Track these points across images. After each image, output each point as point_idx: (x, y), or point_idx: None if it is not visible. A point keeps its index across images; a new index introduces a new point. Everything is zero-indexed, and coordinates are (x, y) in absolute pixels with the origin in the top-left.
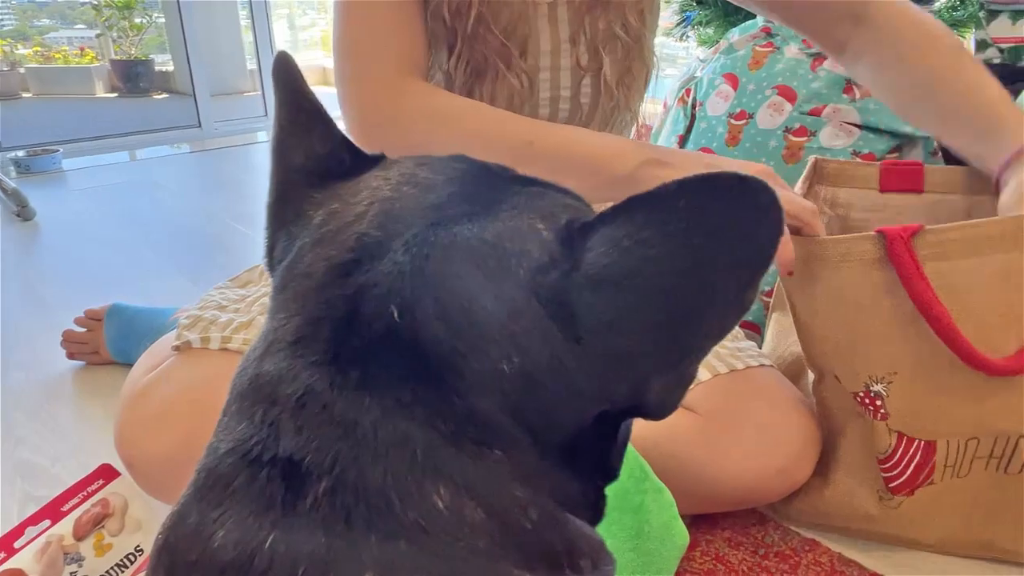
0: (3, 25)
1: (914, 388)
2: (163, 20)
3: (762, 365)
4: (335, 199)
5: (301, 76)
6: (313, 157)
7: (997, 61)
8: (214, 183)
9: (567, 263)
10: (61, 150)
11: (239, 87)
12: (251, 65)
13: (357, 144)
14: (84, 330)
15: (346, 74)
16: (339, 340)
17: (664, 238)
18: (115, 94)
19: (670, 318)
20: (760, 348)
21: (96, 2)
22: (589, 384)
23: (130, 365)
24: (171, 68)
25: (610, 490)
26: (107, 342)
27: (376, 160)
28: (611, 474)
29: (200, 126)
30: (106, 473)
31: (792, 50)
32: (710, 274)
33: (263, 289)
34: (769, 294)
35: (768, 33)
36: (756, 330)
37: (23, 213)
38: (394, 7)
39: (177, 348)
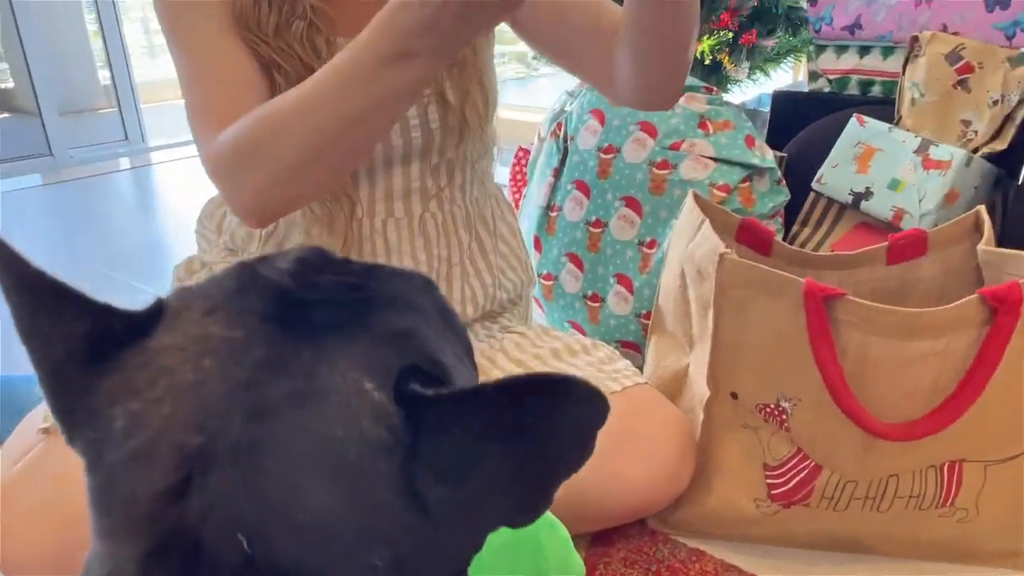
0: None
1: (812, 418)
2: None
3: (637, 384)
4: (129, 392)
5: (22, 257)
6: (76, 340)
7: (827, 90)
8: (76, 221)
9: (407, 441)
10: None
11: (92, 104)
12: (104, 79)
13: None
14: None
15: (198, 139)
16: None
17: (499, 435)
18: None
19: (517, 486)
20: (640, 366)
21: None
22: (455, 547)
23: None
24: (11, 84)
25: (507, 532)
26: None
27: (153, 315)
28: None
29: (52, 154)
30: None
31: None
32: (548, 454)
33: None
34: (647, 316)
35: None
36: (637, 349)
37: None
38: (223, 64)
39: (46, 431)
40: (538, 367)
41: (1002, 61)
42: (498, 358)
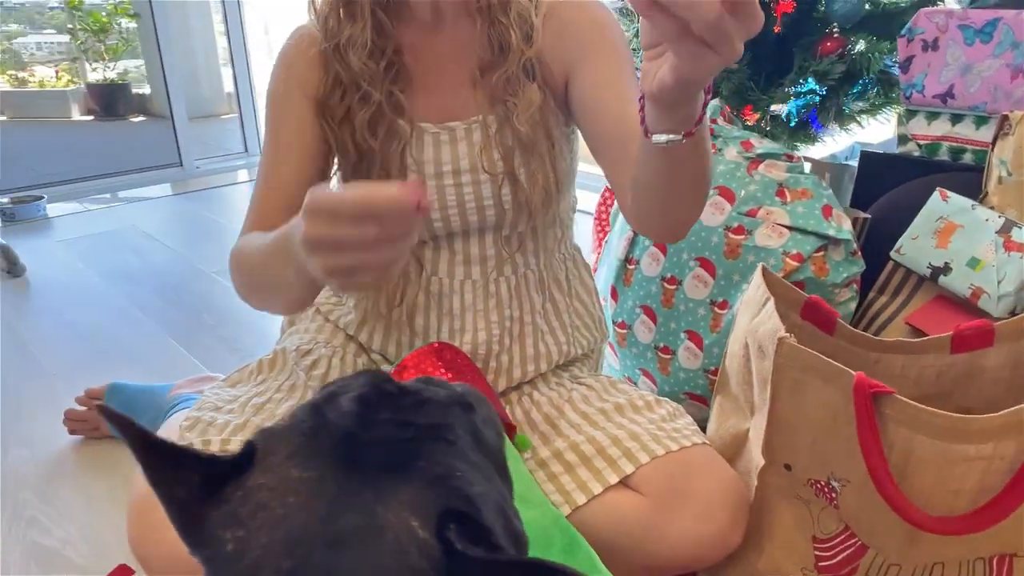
0: None
1: (859, 500)
2: (139, 45)
3: (695, 444)
4: (234, 522)
5: (138, 425)
6: (193, 486)
7: (916, 154)
8: (197, 231)
9: (443, 571)
10: (45, 196)
11: (216, 110)
12: (228, 85)
13: None
14: (84, 409)
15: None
16: None
17: None
18: (91, 117)
19: None
20: (706, 419)
21: (71, 26)
22: None
23: None
24: (148, 91)
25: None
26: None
27: (247, 455)
28: None
29: (181, 164)
30: (123, 573)
31: (731, 153)
32: None
33: (253, 389)
34: (715, 373)
35: (712, 135)
36: (704, 403)
37: (13, 270)
38: (281, 160)
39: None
40: (602, 421)
41: None
42: (565, 409)
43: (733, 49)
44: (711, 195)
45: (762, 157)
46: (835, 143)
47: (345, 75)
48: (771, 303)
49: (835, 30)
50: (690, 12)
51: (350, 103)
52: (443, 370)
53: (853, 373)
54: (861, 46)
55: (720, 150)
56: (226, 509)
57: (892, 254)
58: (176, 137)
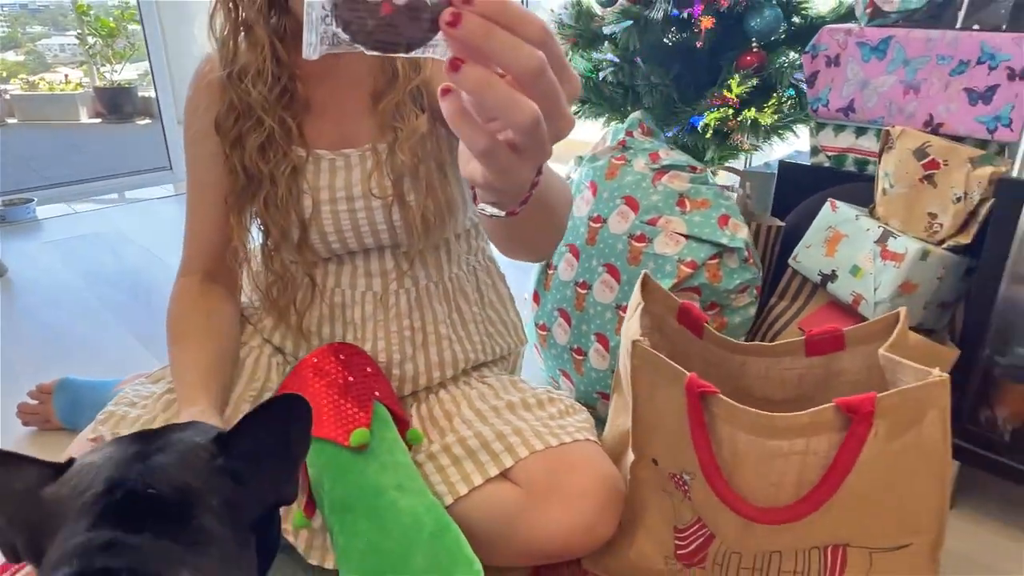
0: None
1: (702, 493)
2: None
3: (577, 440)
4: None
5: None
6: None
7: (827, 165)
8: (176, 235)
9: (223, 455)
10: (35, 199)
11: None
12: None
13: None
14: (36, 402)
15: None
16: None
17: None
18: (98, 120)
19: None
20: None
21: (80, 31)
22: (252, 501)
23: (78, 431)
24: (153, 94)
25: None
26: (56, 413)
27: (64, 467)
28: (274, 545)
29: (171, 168)
30: None
31: (640, 164)
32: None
33: (168, 386)
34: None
35: (623, 146)
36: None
37: None
38: (202, 207)
39: (93, 440)
40: (492, 417)
41: (965, 161)
42: (462, 406)
43: (544, 153)
44: (617, 205)
45: (667, 168)
46: (766, 155)
47: (239, 101)
48: (640, 308)
49: (755, 45)
50: (506, 116)
51: (242, 128)
52: (340, 368)
53: (686, 374)
54: (781, 60)
55: (629, 161)
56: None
57: (789, 261)
58: (166, 141)
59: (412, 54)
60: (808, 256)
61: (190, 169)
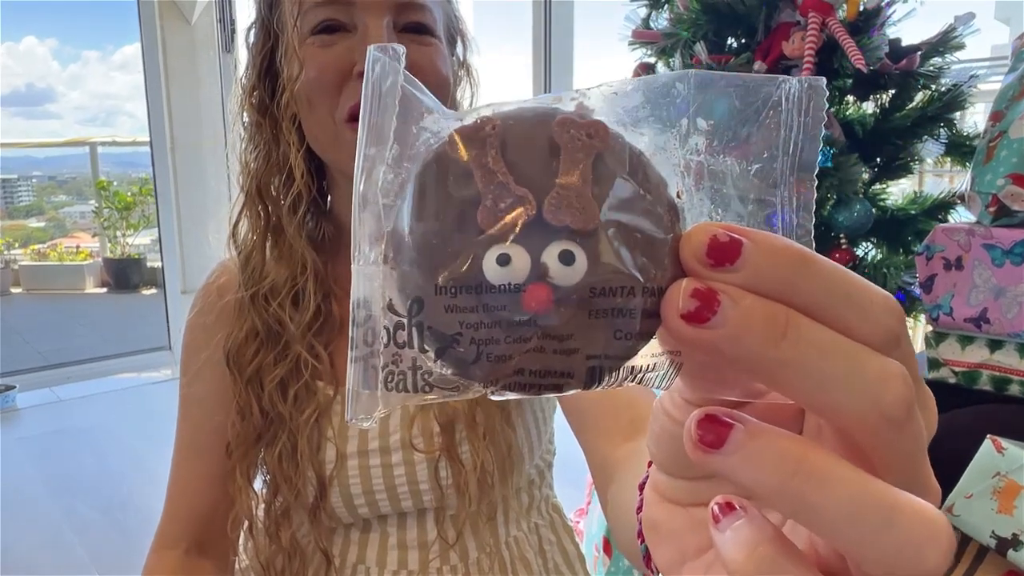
0: (20, 200)
1: None
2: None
3: None
4: None
5: None
6: None
7: (952, 381)
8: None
9: None
10: (17, 386)
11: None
12: None
13: None
14: None
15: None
16: None
17: None
18: (104, 289)
19: None
20: None
21: (98, 205)
22: None
23: None
24: (160, 264)
25: None
26: None
27: None
28: None
29: (170, 348)
30: None
31: None
32: None
33: None
34: None
35: None
36: None
37: None
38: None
39: None
40: None
41: None
42: None
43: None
44: None
45: None
46: None
47: (263, 328)
48: None
49: (843, 241)
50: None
51: (265, 360)
52: None
53: None
54: (872, 255)
55: None
56: None
57: (944, 513)
58: (167, 314)
59: (591, 389)
60: (971, 510)
61: (184, 413)
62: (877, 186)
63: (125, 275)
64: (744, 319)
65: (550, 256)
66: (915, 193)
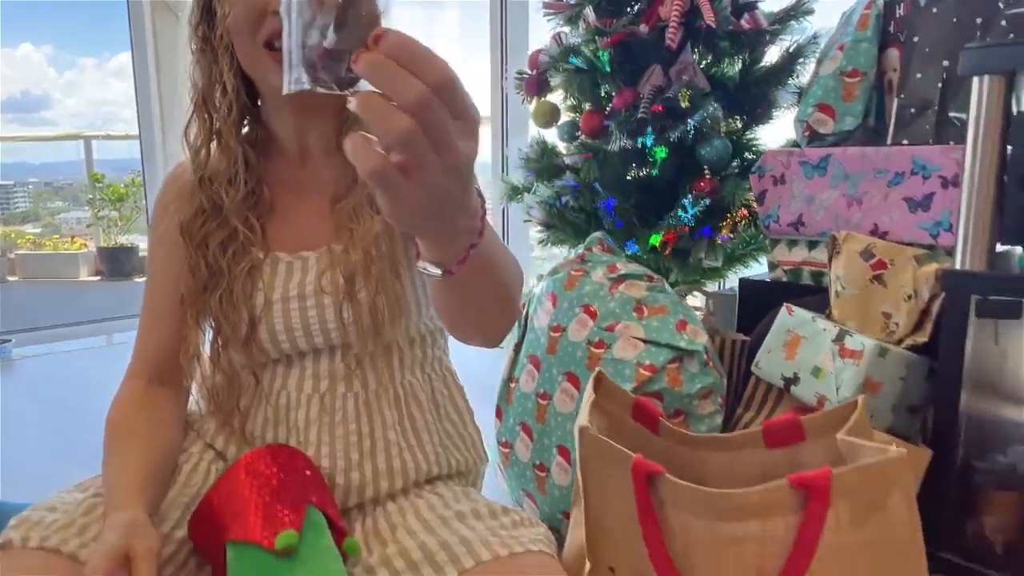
0: (16, 207)
1: None
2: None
3: (530, 551)
4: None
5: None
6: None
7: (784, 279)
8: None
9: None
10: (12, 339)
11: None
12: None
13: None
14: None
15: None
16: None
17: None
18: (98, 277)
19: None
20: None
21: (91, 196)
22: None
23: None
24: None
25: None
26: None
27: None
28: None
29: None
30: None
31: (598, 274)
32: None
33: (94, 491)
34: None
35: (582, 259)
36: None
37: None
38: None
39: (0, 547)
40: (438, 527)
41: (909, 259)
42: (408, 516)
43: (430, 176)
44: (576, 313)
45: (624, 278)
46: (733, 280)
47: (208, 203)
48: (591, 401)
49: (707, 174)
50: (378, 127)
51: (210, 228)
52: (275, 469)
53: (631, 455)
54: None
55: (588, 272)
56: None
57: (752, 368)
58: None
59: (347, 91)
60: (769, 361)
61: (151, 268)
62: (749, 133)
63: (119, 263)
64: (360, 68)
65: None
66: (785, 140)
